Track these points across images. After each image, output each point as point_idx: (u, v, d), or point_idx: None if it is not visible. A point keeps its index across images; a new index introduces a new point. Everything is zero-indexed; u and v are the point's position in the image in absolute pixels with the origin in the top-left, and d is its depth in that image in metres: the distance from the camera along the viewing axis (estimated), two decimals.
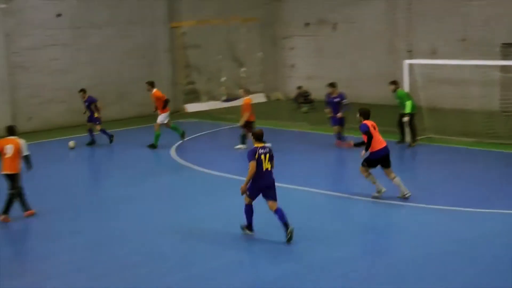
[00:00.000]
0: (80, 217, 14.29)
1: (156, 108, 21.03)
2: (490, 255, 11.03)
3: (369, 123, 14.36)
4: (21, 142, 14.21)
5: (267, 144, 12.45)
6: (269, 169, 11.79)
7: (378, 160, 14.23)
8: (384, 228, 13.10)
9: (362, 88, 30.09)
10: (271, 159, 11.86)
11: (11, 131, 14.51)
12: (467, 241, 11.69)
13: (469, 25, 26.83)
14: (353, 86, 30.12)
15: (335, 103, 20.33)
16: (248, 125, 20.21)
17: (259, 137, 12.11)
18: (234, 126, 25.35)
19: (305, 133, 23.24)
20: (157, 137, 21.24)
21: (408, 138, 20.65)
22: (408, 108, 20.39)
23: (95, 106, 21.88)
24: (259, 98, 32.30)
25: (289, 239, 11.45)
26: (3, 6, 24.05)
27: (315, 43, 32.49)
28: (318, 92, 29.97)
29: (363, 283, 10.04)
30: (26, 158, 14.15)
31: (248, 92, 21.61)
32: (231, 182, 16.03)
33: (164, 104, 21.34)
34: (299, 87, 29.99)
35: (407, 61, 22.55)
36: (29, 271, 11.27)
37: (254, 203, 11.95)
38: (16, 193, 13.92)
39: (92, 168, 20.59)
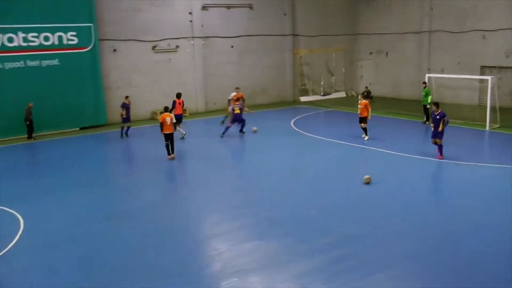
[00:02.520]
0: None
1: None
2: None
3: None
4: (172, 115, 17.95)
5: None
6: None
7: None
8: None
9: (402, 90, 35.78)
10: None
11: (166, 109, 18.37)
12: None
13: (462, 55, 32.30)
14: (396, 89, 36.17)
15: (437, 119, 19.39)
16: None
17: None
18: (326, 110, 30.38)
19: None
20: None
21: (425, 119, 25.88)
22: (430, 99, 24.75)
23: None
24: (341, 94, 38.58)
25: None
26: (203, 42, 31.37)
27: (375, 64, 37.91)
28: (376, 91, 36.87)
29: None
30: (174, 125, 18.25)
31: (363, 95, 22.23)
32: (327, 143, 21.24)
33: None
34: (366, 87, 36.40)
35: (427, 75, 27.50)
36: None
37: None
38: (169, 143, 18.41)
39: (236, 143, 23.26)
